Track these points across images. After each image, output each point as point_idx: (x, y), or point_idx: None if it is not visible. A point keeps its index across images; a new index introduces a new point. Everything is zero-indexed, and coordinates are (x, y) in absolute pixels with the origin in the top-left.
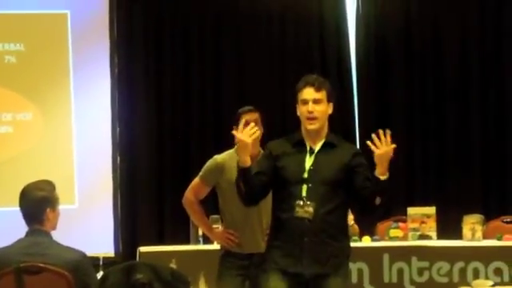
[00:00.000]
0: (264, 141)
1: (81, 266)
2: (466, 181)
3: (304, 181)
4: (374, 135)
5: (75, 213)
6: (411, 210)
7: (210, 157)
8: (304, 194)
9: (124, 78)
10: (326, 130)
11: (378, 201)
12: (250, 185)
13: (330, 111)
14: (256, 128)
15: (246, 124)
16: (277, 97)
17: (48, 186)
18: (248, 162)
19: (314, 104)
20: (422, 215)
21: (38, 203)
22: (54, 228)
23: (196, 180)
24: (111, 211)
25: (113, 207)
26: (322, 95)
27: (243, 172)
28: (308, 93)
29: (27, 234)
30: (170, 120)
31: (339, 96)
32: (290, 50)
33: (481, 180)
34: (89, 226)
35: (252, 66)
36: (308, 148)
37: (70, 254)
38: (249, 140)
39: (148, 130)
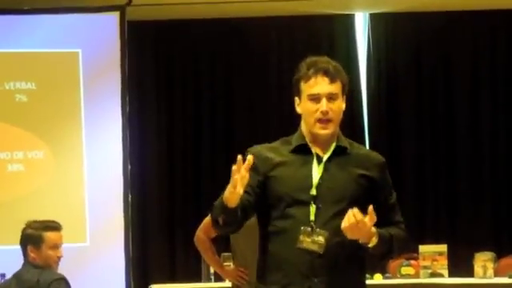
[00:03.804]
0: None
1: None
2: (477, 218)
3: (311, 200)
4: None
5: (87, 250)
6: (423, 248)
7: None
8: (312, 217)
9: (135, 116)
10: (337, 132)
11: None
12: (231, 221)
13: (344, 107)
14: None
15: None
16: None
17: (38, 224)
18: (235, 202)
19: (329, 101)
20: (434, 253)
21: (21, 240)
22: (47, 264)
23: (207, 219)
24: (122, 249)
25: (124, 245)
26: (337, 88)
27: (227, 212)
28: (320, 85)
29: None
30: (180, 158)
31: (350, 127)
32: None
33: (492, 217)
34: (100, 263)
35: (262, 104)
36: (315, 155)
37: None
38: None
39: (159, 168)
